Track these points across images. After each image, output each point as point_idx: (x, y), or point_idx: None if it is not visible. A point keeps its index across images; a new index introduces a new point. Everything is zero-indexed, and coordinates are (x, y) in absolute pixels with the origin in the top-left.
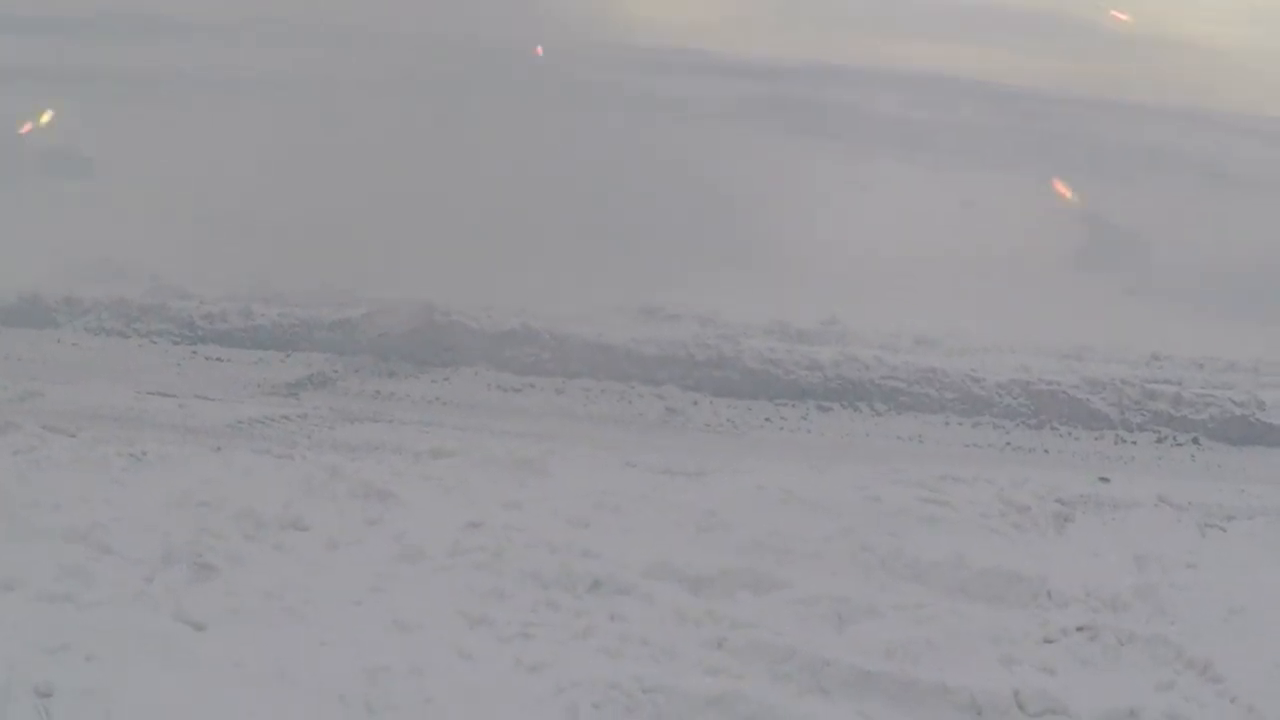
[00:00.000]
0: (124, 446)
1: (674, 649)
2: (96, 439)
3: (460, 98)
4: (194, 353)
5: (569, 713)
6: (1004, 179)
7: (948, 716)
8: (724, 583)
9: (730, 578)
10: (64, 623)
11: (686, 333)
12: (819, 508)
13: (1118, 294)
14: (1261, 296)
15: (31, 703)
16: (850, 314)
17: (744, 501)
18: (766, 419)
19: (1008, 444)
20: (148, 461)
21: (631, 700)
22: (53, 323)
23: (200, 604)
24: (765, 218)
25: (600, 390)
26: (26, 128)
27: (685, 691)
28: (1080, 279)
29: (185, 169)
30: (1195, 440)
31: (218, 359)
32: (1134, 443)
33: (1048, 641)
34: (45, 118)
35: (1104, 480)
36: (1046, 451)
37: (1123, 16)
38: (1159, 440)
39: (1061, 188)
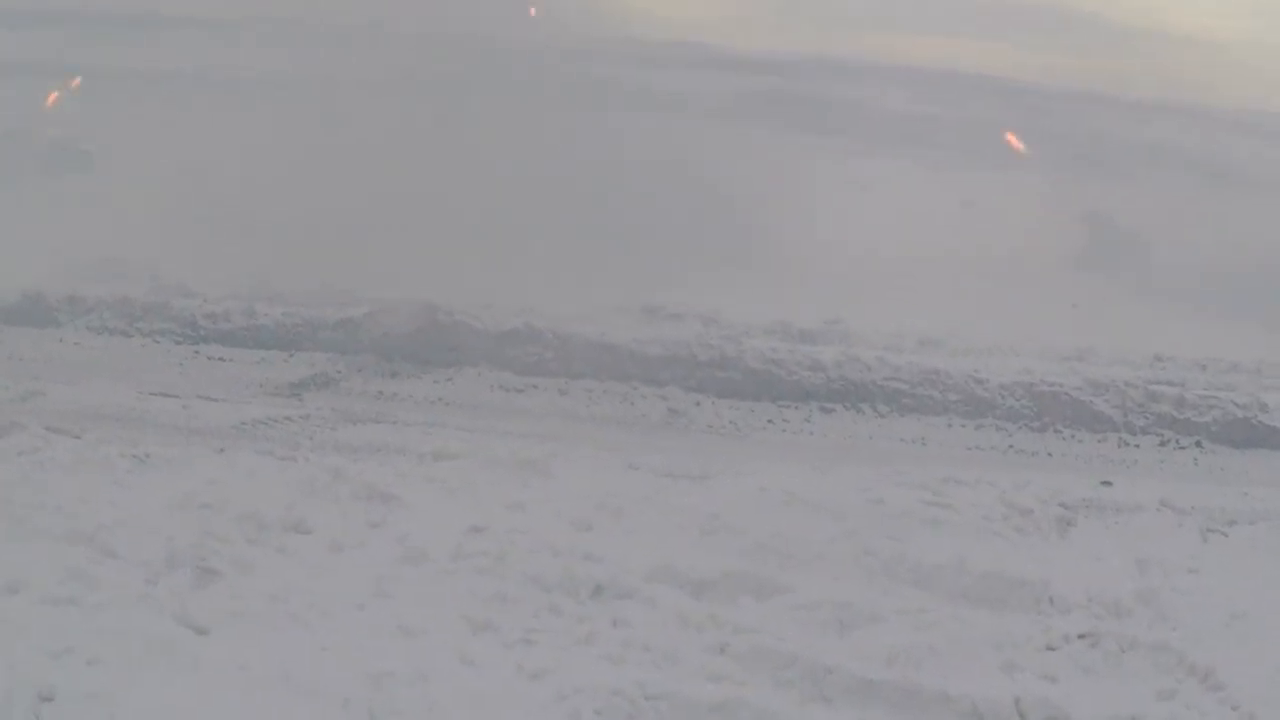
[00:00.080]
0: (127, 448)
1: (676, 655)
2: (99, 440)
3: (461, 96)
4: (196, 352)
5: (571, 719)
6: (1007, 177)
7: None
8: (727, 587)
9: (733, 582)
10: (67, 626)
11: (689, 333)
12: (822, 510)
13: (1121, 294)
14: (1264, 297)
15: (35, 706)
16: (853, 314)
17: (747, 504)
18: (769, 420)
19: (1010, 446)
20: (151, 463)
21: (634, 707)
22: (55, 321)
23: (203, 608)
24: (768, 216)
25: (603, 391)
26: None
27: (688, 698)
28: (1083, 279)
29: (187, 167)
30: (1198, 443)
31: (220, 359)
32: (1137, 446)
33: (1050, 648)
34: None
35: (1106, 484)
36: (1049, 454)
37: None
38: (1162, 443)
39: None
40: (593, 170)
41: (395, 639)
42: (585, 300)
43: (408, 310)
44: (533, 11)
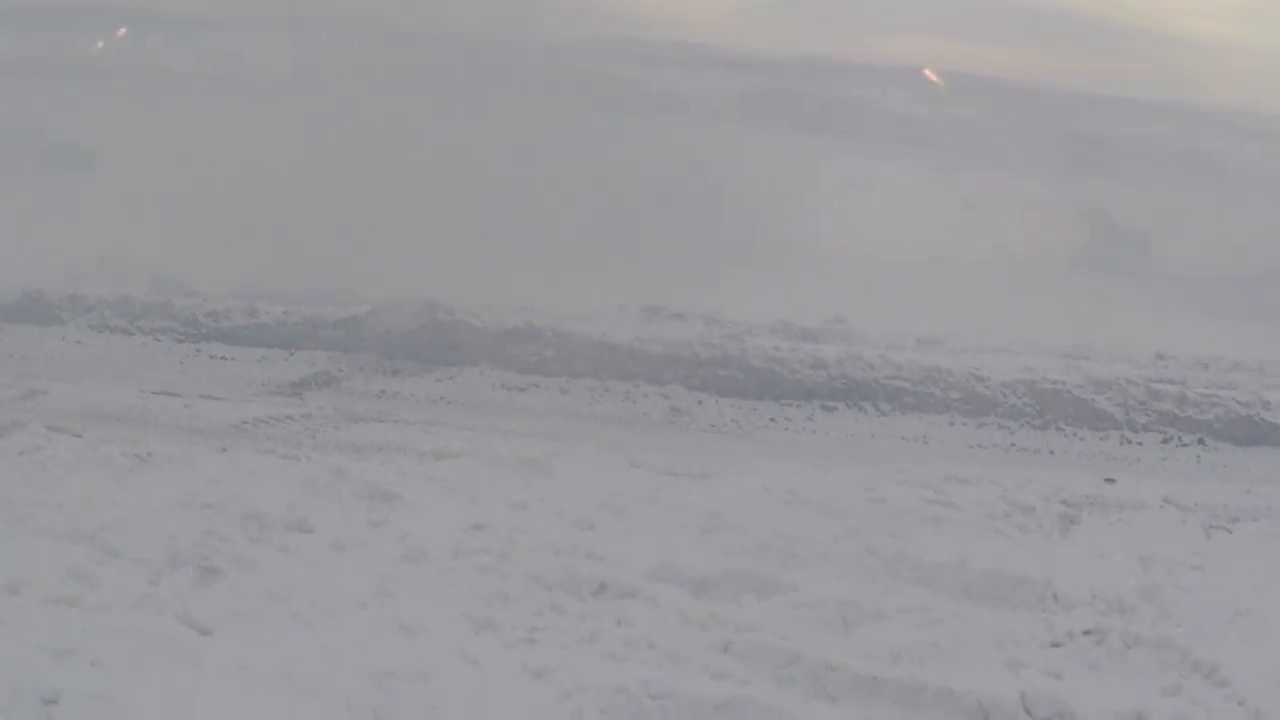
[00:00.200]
0: (129, 447)
1: (680, 653)
2: (101, 439)
3: (463, 96)
4: (198, 351)
5: (575, 718)
6: (1009, 176)
7: None
8: (729, 585)
9: (735, 580)
10: (70, 627)
11: (691, 332)
12: (824, 509)
13: (1122, 293)
14: (1266, 296)
15: (38, 707)
16: (855, 313)
17: (749, 503)
18: (771, 419)
19: (1013, 444)
20: (153, 462)
21: (638, 706)
22: (57, 320)
23: (206, 607)
24: (770, 216)
25: (605, 390)
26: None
27: (692, 696)
28: (1084, 278)
29: (188, 166)
30: (1201, 441)
31: (222, 357)
32: (1139, 443)
33: (1054, 645)
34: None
35: (1110, 481)
36: (1052, 452)
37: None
38: (1164, 441)
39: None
40: (595, 169)
41: (397, 638)
42: (587, 299)
43: (409, 309)
44: None
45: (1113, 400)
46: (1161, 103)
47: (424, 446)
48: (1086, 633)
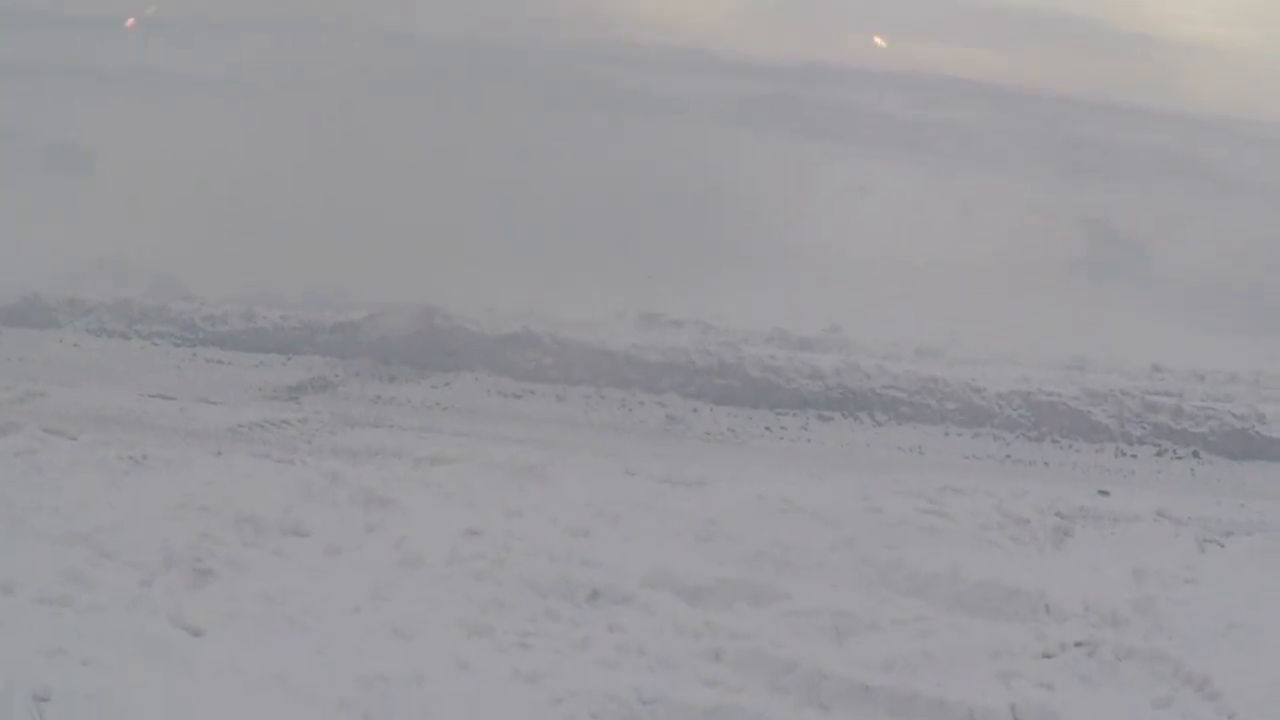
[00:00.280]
0: (125, 449)
1: (672, 660)
2: (97, 442)
3: (462, 99)
4: (195, 355)
5: None
6: (1007, 182)
7: None
8: (723, 593)
9: (730, 588)
10: (62, 627)
11: (688, 339)
12: (819, 518)
13: (1118, 303)
14: (1263, 308)
15: (30, 706)
16: (852, 322)
17: (744, 511)
18: (767, 428)
19: (1008, 456)
20: (148, 465)
21: (629, 712)
22: (54, 323)
23: (199, 609)
24: (767, 222)
25: (601, 397)
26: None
27: (683, 703)
28: (1082, 285)
29: (187, 168)
30: (1195, 454)
31: (219, 361)
32: (1134, 456)
33: (1046, 656)
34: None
35: (1104, 493)
36: (1046, 464)
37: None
38: (1159, 453)
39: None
40: (593, 174)
41: (391, 642)
42: (584, 304)
43: (406, 314)
44: None
45: (1108, 412)
46: (1161, 109)
47: (420, 452)
48: (1079, 644)
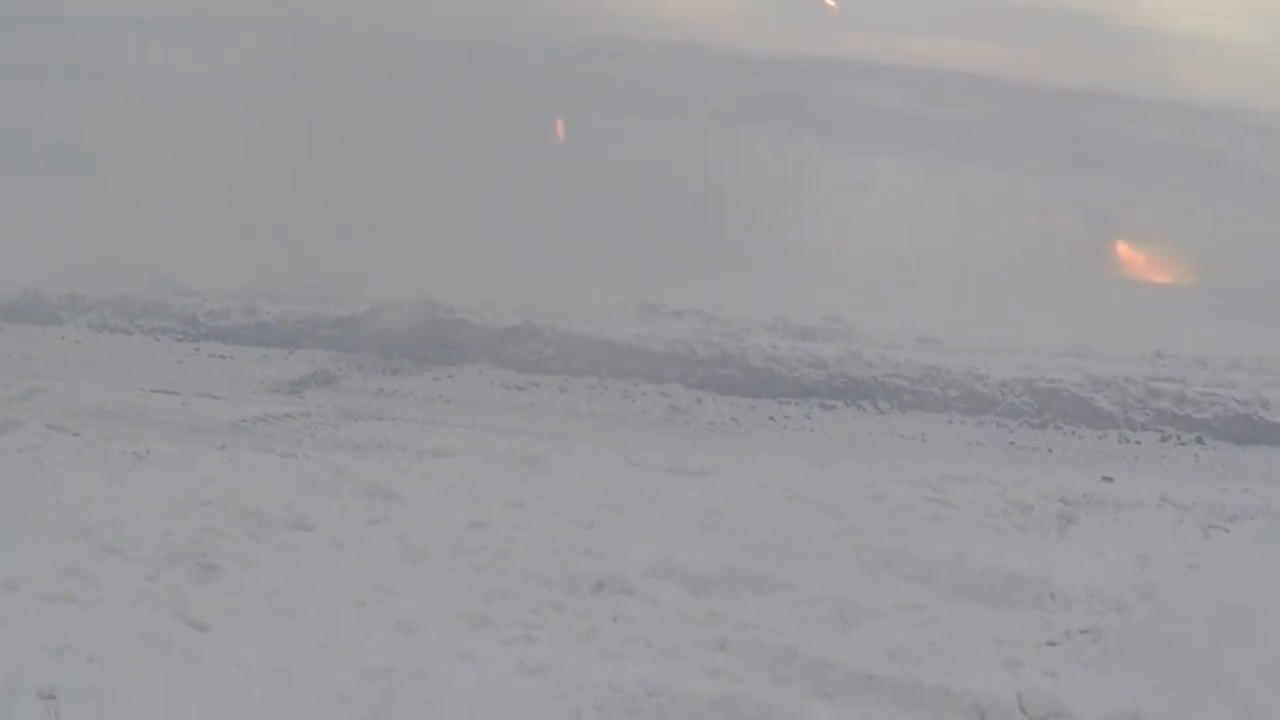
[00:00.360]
0: (127, 445)
1: (677, 650)
2: (100, 437)
3: (463, 96)
4: (197, 350)
5: (571, 715)
6: (1008, 175)
7: None
8: (727, 583)
9: (734, 578)
10: (67, 623)
11: (690, 330)
12: (823, 507)
13: (1120, 291)
14: (1265, 295)
15: (35, 703)
16: (854, 312)
17: (748, 501)
18: (770, 417)
19: (1011, 443)
20: (151, 460)
21: (634, 703)
22: (55, 319)
23: (203, 604)
24: (768, 215)
25: (603, 388)
26: None
27: (688, 694)
28: (1083, 276)
29: (188, 166)
30: (1199, 439)
31: (221, 356)
32: (1138, 442)
33: (1050, 644)
34: None
35: (1107, 480)
36: (1050, 451)
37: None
38: (1163, 439)
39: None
40: (594, 169)
41: (394, 635)
42: (586, 298)
43: (408, 308)
44: None
45: (1111, 399)
46: (1161, 100)
47: (422, 444)
48: (1083, 631)
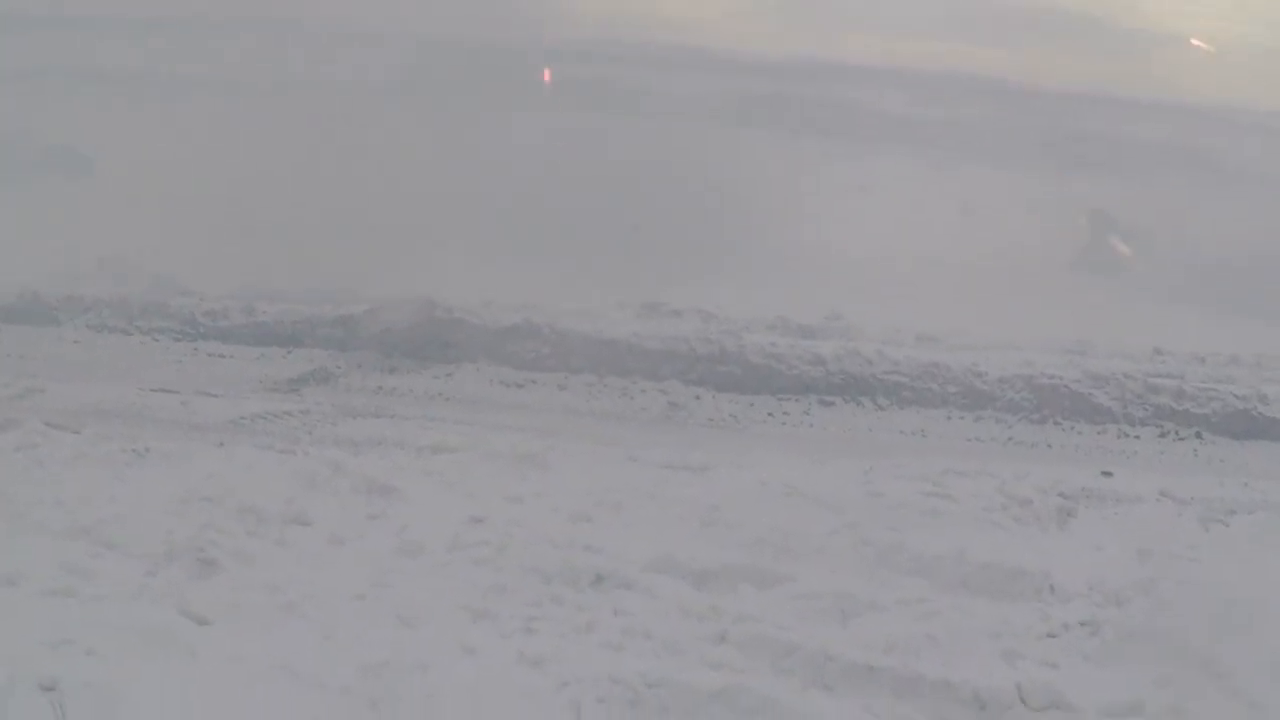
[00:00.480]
0: (127, 443)
1: (677, 643)
2: (99, 435)
3: (462, 97)
4: (196, 349)
5: (572, 708)
6: (1008, 176)
7: (951, 711)
8: (727, 577)
9: (733, 572)
10: (67, 618)
11: (689, 328)
12: (822, 502)
13: (1120, 289)
14: (1263, 291)
15: (35, 698)
16: (853, 310)
17: (746, 496)
18: (769, 414)
19: (1010, 438)
20: (150, 458)
21: (635, 695)
22: (54, 320)
23: (203, 599)
24: (768, 216)
25: (602, 385)
26: None
27: (688, 686)
28: (1083, 275)
29: (187, 167)
30: (1198, 434)
31: (219, 355)
32: (1137, 437)
33: (1050, 636)
34: None
35: (1106, 474)
36: (1049, 446)
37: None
38: (1161, 435)
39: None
40: (595, 169)
41: (395, 629)
42: (585, 297)
43: (407, 307)
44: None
45: (1110, 394)
46: (1161, 101)
47: (421, 441)
48: (1083, 624)
